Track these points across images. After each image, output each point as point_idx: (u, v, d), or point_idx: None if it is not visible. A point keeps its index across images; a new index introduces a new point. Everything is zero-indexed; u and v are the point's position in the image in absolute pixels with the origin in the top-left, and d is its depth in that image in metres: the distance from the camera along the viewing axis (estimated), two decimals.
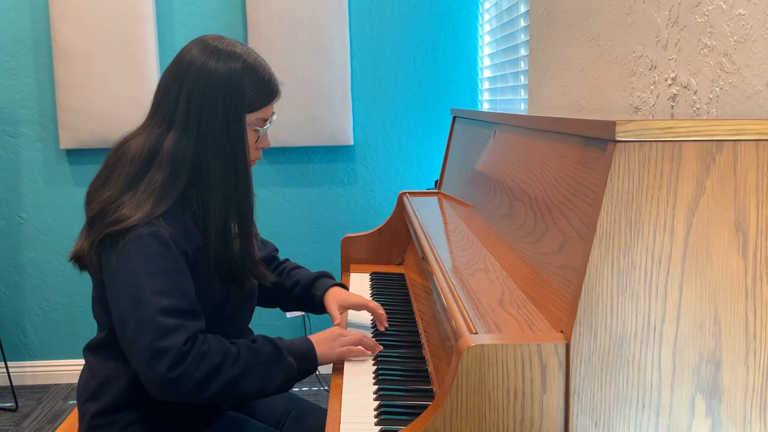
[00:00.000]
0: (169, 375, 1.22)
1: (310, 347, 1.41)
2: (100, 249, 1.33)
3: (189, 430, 1.45)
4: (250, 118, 1.42)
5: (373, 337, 1.58)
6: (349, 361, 1.45)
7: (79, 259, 1.39)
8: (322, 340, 1.44)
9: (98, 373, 1.42)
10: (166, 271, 1.28)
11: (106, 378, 1.41)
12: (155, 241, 1.29)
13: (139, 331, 1.24)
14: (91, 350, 1.47)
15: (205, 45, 1.41)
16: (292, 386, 1.38)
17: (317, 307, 1.72)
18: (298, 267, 1.80)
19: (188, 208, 1.38)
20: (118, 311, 1.28)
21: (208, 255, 1.39)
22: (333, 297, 1.68)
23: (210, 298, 1.40)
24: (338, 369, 1.43)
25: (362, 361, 1.46)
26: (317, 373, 3.35)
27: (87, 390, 1.43)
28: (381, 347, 1.50)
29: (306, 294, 1.72)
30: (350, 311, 1.76)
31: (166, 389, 1.24)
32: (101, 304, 1.41)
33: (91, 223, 1.36)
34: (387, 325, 1.63)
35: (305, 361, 1.39)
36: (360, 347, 1.45)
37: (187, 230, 1.37)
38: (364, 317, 1.75)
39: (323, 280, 1.75)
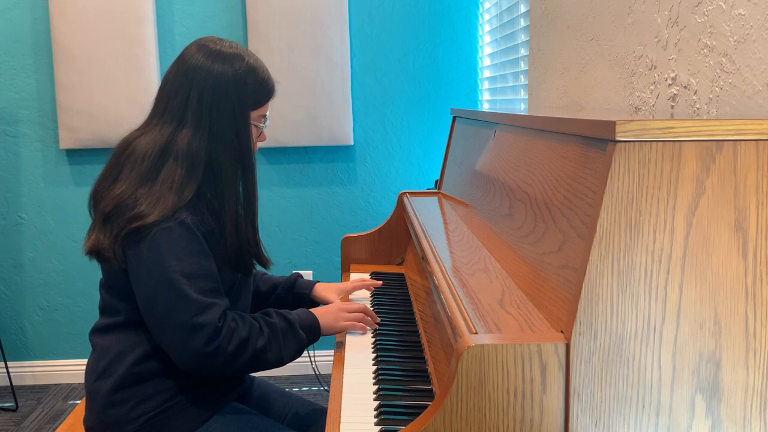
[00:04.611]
0: (205, 349, 1.34)
1: (315, 321, 1.54)
2: (125, 242, 1.40)
3: (196, 418, 1.47)
4: (253, 115, 1.52)
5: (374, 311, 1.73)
6: (351, 333, 1.62)
7: (97, 252, 1.44)
8: (327, 313, 1.58)
9: (108, 352, 1.47)
10: (193, 254, 1.39)
11: (117, 354, 1.46)
12: (181, 228, 1.39)
13: (174, 310, 1.34)
14: (99, 332, 1.51)
15: (208, 49, 1.49)
16: (300, 355, 1.50)
17: (306, 305, 1.80)
18: (266, 273, 1.88)
19: (203, 199, 1.47)
20: (148, 294, 1.37)
21: (221, 242, 1.47)
22: (326, 290, 1.81)
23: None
24: (338, 370, 1.43)
25: (363, 355, 1.46)
26: (317, 373, 3.35)
27: (97, 369, 1.47)
28: (378, 319, 1.67)
29: (289, 294, 1.82)
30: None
31: (201, 363, 1.36)
32: (113, 291, 1.48)
33: (107, 218, 1.42)
34: (373, 289, 1.89)
35: (311, 333, 1.53)
36: (362, 323, 1.61)
37: (204, 218, 1.45)
38: (364, 296, 1.93)
39: (303, 280, 1.85)
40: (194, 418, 1.46)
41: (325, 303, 1.78)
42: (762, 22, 1.12)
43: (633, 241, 0.89)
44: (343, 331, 1.61)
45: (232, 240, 1.48)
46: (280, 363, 1.46)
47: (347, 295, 1.87)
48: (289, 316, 1.50)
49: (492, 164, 1.62)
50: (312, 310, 1.58)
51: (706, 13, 1.27)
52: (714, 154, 0.89)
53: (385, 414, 1.22)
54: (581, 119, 1.01)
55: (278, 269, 3.35)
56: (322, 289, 1.81)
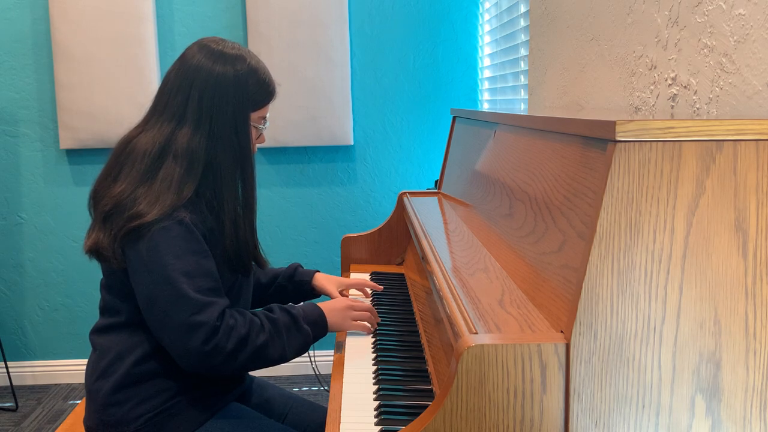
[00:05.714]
0: (204, 348, 1.33)
1: (322, 315, 1.53)
2: (125, 241, 1.40)
3: (197, 418, 1.47)
4: (253, 116, 1.52)
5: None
6: (351, 333, 1.61)
7: (97, 252, 1.44)
8: (334, 310, 1.56)
9: (109, 352, 1.47)
10: (192, 252, 1.39)
11: (117, 354, 1.46)
12: (180, 227, 1.39)
13: (173, 308, 1.34)
14: (100, 332, 1.51)
15: (210, 49, 1.49)
16: (306, 351, 1.49)
17: (306, 293, 1.82)
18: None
19: (202, 198, 1.47)
20: (147, 293, 1.37)
21: (220, 242, 1.47)
22: (326, 280, 1.82)
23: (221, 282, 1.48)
24: (338, 370, 1.43)
25: (363, 355, 1.46)
26: (317, 373, 3.35)
27: (97, 369, 1.47)
28: (379, 318, 1.66)
29: (289, 283, 1.82)
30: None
31: (201, 362, 1.35)
32: (113, 291, 1.48)
33: (107, 217, 1.42)
34: (370, 293, 1.89)
35: (317, 328, 1.51)
36: (368, 324, 1.60)
37: (203, 217, 1.45)
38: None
39: (302, 269, 1.85)
40: (194, 418, 1.46)
41: (325, 293, 1.79)
42: (762, 22, 1.12)
43: (633, 241, 0.89)
44: (349, 330, 1.61)
45: (231, 240, 1.48)
46: (284, 359, 1.44)
47: (347, 289, 1.86)
48: (292, 311, 1.49)
49: (492, 164, 1.62)
50: (319, 304, 1.55)
51: (706, 13, 1.27)
52: (714, 154, 0.89)
53: (385, 414, 1.22)
54: (581, 119, 1.01)
55: None
56: (322, 279, 1.81)
